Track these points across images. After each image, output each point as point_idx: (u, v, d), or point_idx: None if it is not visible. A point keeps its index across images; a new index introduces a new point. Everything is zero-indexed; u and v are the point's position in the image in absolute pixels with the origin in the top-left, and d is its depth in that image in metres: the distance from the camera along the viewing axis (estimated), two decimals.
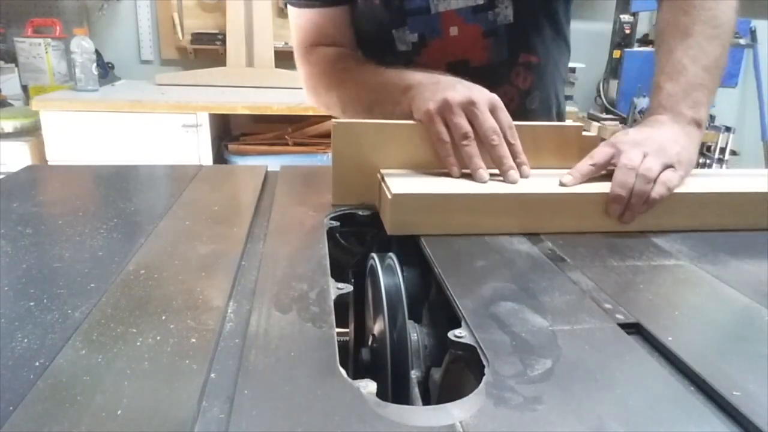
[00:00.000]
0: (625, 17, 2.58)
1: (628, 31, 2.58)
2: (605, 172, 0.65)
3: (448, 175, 0.65)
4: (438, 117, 0.65)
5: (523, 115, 0.66)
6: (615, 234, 0.62)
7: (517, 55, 0.84)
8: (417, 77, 0.72)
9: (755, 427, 0.32)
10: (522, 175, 0.65)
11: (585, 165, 0.64)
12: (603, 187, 0.62)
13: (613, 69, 2.59)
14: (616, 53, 2.57)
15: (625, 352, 0.39)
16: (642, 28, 2.72)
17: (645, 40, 2.66)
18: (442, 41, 0.83)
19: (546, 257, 0.55)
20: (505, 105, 0.67)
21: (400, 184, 0.60)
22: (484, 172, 0.63)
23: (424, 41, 0.84)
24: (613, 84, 2.60)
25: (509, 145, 0.65)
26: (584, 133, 0.72)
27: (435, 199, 0.59)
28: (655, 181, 0.61)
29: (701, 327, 0.45)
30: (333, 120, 0.63)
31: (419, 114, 0.67)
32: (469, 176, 0.64)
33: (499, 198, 0.60)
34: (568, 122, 0.75)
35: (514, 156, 0.65)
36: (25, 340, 0.38)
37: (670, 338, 0.41)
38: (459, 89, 0.66)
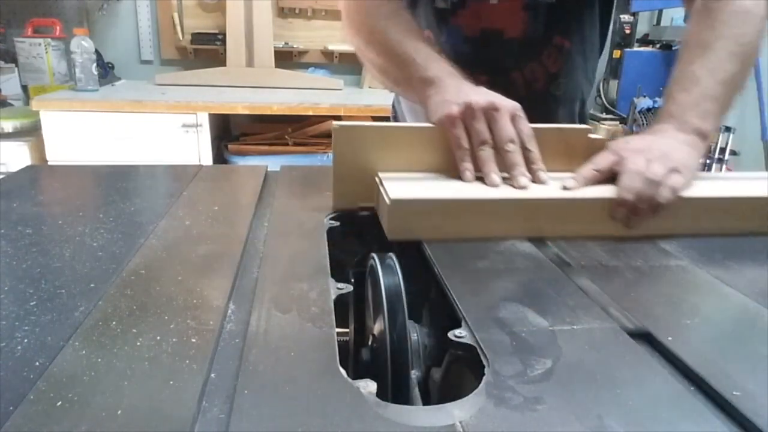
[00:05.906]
0: (625, 17, 2.57)
1: (628, 31, 2.58)
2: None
3: (448, 177, 0.65)
4: (460, 121, 0.64)
5: (547, 100, 0.65)
6: (620, 239, 0.61)
7: (551, 36, 0.85)
8: (440, 71, 0.71)
9: (755, 427, 0.32)
10: (538, 181, 0.64)
11: (588, 170, 0.64)
12: (608, 192, 0.61)
13: (613, 69, 2.59)
14: (616, 53, 2.57)
15: (625, 352, 0.39)
16: (642, 28, 2.71)
17: (645, 40, 2.66)
18: (480, 6, 0.84)
19: (551, 261, 0.55)
20: (530, 84, 0.65)
21: (399, 188, 0.60)
22: (496, 176, 0.63)
23: (464, 2, 0.84)
24: (613, 84, 2.60)
25: (526, 151, 0.64)
26: (591, 135, 0.70)
27: (435, 204, 0.58)
28: (661, 185, 0.60)
29: (704, 329, 0.45)
30: (333, 123, 0.63)
31: (440, 115, 0.66)
32: (473, 180, 0.64)
33: (502, 202, 0.60)
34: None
35: (531, 162, 0.64)
36: (25, 340, 0.38)
37: (670, 338, 0.41)
38: (482, 93, 0.65)
